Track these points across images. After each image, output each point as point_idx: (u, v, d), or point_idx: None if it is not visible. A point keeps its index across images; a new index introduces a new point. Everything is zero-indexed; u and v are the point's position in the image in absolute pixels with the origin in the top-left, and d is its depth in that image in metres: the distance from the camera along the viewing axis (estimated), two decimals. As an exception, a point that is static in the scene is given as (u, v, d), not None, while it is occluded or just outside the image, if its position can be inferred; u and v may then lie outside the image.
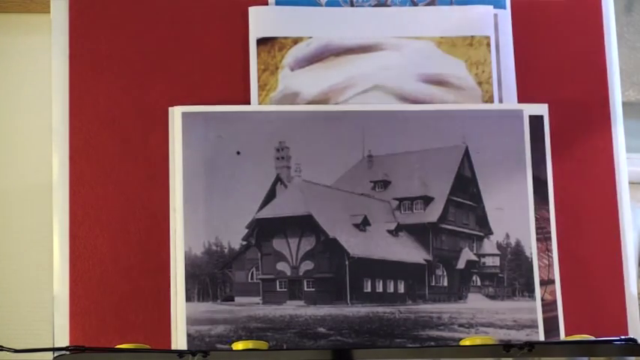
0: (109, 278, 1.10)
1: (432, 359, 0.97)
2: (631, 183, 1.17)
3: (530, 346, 0.93)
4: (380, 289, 1.11)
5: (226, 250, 1.10)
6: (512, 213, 1.13)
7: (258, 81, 1.14)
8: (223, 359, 0.97)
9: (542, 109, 1.15)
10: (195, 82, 1.14)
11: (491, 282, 1.13)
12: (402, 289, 1.11)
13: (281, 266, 1.11)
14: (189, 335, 1.08)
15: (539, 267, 1.13)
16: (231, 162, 1.12)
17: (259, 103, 1.14)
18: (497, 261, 1.13)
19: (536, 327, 1.11)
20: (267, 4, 1.16)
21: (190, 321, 1.09)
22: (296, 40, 1.16)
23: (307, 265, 1.11)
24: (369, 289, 1.11)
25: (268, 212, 1.12)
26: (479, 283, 1.13)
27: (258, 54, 1.15)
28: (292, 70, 1.15)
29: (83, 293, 1.10)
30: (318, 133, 1.13)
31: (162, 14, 1.15)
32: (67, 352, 0.95)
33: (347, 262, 1.11)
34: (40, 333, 1.23)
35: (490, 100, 1.16)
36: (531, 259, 1.13)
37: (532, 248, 1.13)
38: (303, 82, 1.15)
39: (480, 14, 1.17)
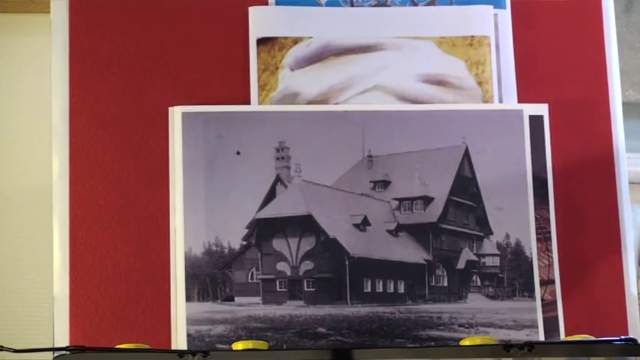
0: (109, 278, 1.10)
1: (431, 359, 0.97)
2: (631, 183, 1.17)
3: (530, 346, 0.93)
4: (380, 289, 1.11)
5: (226, 250, 1.10)
6: (512, 213, 1.13)
7: (258, 81, 1.14)
8: (223, 359, 0.97)
9: (542, 109, 1.15)
10: (195, 82, 1.14)
11: (491, 282, 1.13)
12: (402, 289, 1.11)
13: (281, 266, 1.11)
14: (189, 335, 1.08)
15: (539, 267, 1.13)
16: (231, 162, 1.12)
17: (259, 103, 1.14)
18: (497, 261, 1.13)
19: (536, 327, 1.11)
20: (267, 4, 1.16)
21: (190, 321, 1.09)
22: (296, 40, 1.16)
23: (307, 265, 1.11)
24: (369, 289, 1.11)
25: (268, 212, 1.12)
26: (479, 283, 1.13)
27: (258, 54, 1.15)
28: (292, 70, 1.15)
29: (83, 293, 1.10)
30: (318, 133, 1.13)
31: (162, 14, 1.15)
32: (67, 352, 0.95)
33: (347, 262, 1.11)
34: (40, 333, 1.23)
35: (490, 100, 1.16)
36: (531, 259, 1.13)
37: (532, 248, 1.13)
38: (303, 82, 1.15)
39: (480, 14, 1.17)
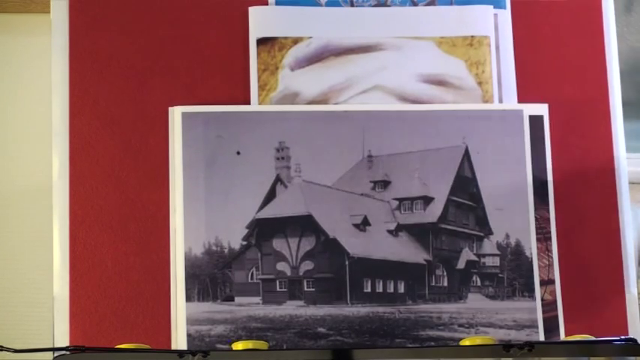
0: (109, 278, 1.10)
1: (431, 359, 0.97)
2: (631, 183, 1.17)
3: (530, 346, 0.93)
4: (380, 289, 1.11)
5: (226, 250, 1.10)
6: (512, 213, 1.13)
7: (258, 81, 1.15)
8: (223, 359, 0.97)
9: (542, 109, 1.15)
10: (195, 82, 1.14)
11: (491, 282, 1.13)
12: (402, 289, 1.11)
13: (281, 266, 1.11)
14: (189, 335, 1.08)
15: (539, 267, 1.13)
16: (231, 162, 1.12)
17: (259, 103, 1.14)
18: (497, 261, 1.13)
19: (536, 327, 1.11)
20: (267, 4, 1.16)
21: (190, 321, 1.09)
22: (296, 40, 1.16)
23: (307, 265, 1.11)
24: (369, 289, 1.11)
25: (268, 212, 1.12)
26: (479, 283, 1.13)
27: (258, 54, 1.15)
28: (292, 70, 1.15)
29: (83, 293, 1.10)
30: (318, 133, 1.13)
31: (162, 14, 1.15)
32: (67, 352, 0.95)
33: (347, 262, 1.11)
34: (40, 333, 1.23)
35: (490, 100, 1.16)
36: (531, 259, 1.13)
37: (532, 248, 1.13)
38: (303, 82, 1.15)
39: (480, 14, 1.17)
